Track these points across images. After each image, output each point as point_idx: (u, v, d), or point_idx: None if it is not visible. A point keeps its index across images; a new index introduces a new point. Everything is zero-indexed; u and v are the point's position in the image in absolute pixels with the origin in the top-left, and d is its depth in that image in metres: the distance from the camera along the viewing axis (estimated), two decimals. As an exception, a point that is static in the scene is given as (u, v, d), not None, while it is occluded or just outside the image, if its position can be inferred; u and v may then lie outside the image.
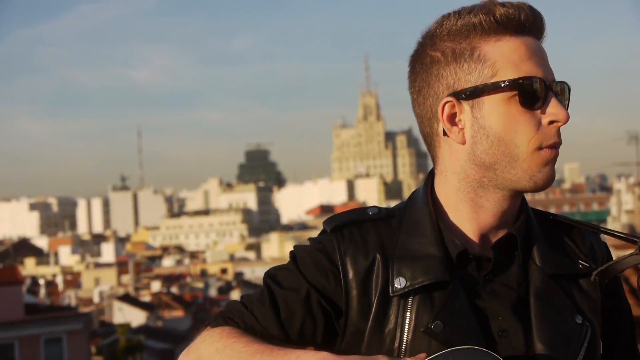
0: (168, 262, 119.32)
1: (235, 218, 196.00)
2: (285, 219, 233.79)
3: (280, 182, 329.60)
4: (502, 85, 1.84)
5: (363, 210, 2.00)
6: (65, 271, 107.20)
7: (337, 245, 1.93)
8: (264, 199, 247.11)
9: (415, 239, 1.93)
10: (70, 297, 75.20)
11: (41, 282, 77.76)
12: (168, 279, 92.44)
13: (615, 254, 2.02)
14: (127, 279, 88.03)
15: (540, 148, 1.85)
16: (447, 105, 1.88)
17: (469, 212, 1.93)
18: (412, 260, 1.89)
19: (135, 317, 63.94)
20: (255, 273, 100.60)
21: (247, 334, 1.86)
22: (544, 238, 1.98)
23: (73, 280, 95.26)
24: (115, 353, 50.83)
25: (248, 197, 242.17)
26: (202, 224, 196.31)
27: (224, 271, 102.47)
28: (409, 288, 1.86)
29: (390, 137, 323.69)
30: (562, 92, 1.90)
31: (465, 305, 1.86)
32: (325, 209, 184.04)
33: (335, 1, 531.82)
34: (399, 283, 1.87)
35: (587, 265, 1.97)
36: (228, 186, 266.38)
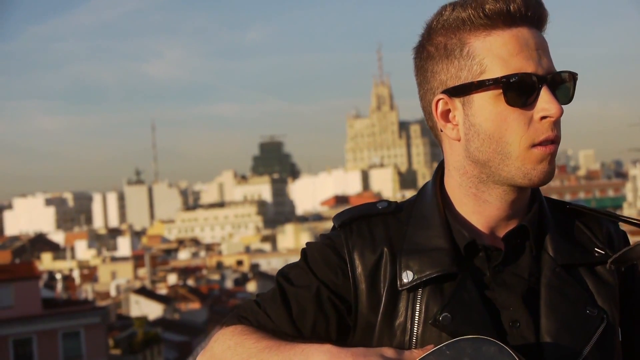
0: (184, 255, 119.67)
1: (250, 210, 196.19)
2: (300, 210, 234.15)
3: (295, 173, 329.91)
4: (487, 83, 1.81)
5: (372, 204, 2.00)
6: (82, 265, 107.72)
7: (345, 240, 1.93)
8: (279, 190, 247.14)
9: (423, 231, 1.92)
10: (87, 291, 75.43)
11: (58, 276, 77.97)
12: (184, 272, 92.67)
13: (633, 241, 2.00)
14: (143, 272, 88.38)
15: (533, 145, 1.81)
16: (440, 102, 1.87)
17: (474, 206, 1.92)
18: (420, 253, 1.89)
19: (152, 310, 64.20)
20: (271, 264, 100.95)
21: (259, 331, 1.87)
22: (558, 228, 1.96)
23: (90, 274, 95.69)
24: (133, 346, 51.04)
25: (263, 189, 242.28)
26: (217, 216, 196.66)
27: (239, 263, 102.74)
28: (416, 281, 1.86)
29: (404, 126, 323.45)
30: (562, 82, 1.85)
31: (475, 296, 1.85)
32: (339, 199, 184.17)
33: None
34: (407, 277, 1.87)
35: (604, 252, 1.95)
36: (243, 178, 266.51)
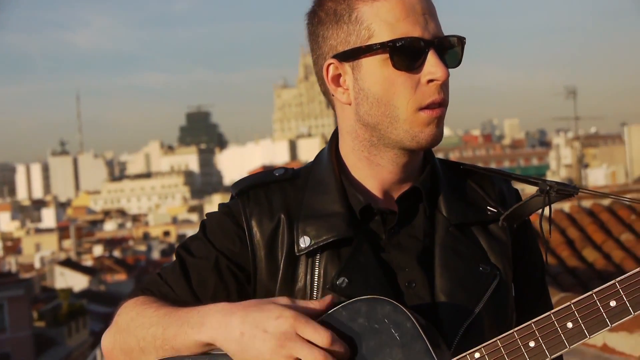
0: (110, 226, 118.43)
1: (177, 180, 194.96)
2: (227, 180, 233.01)
3: (222, 143, 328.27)
4: (375, 48, 1.84)
5: (269, 172, 1.99)
6: (5, 237, 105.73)
7: (242, 208, 1.94)
8: (206, 160, 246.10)
9: (319, 197, 1.93)
10: (10, 264, 74.42)
11: (-20, 249, 76.53)
12: (110, 243, 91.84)
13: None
14: (68, 243, 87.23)
15: (420, 108, 1.84)
16: (330, 67, 1.91)
17: (367, 170, 1.93)
18: (317, 218, 1.90)
19: (78, 282, 63.53)
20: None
21: (160, 300, 1.91)
22: (452, 188, 1.98)
23: (13, 246, 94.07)
24: (58, 318, 50.44)
25: (190, 159, 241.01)
26: (143, 187, 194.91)
27: (166, 234, 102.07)
28: (313, 246, 1.88)
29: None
30: (450, 47, 1.86)
31: (371, 259, 1.88)
32: (267, 169, 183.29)
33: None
34: (304, 242, 1.89)
35: (496, 211, 1.97)
36: (169, 149, 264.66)
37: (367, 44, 1.85)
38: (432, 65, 1.83)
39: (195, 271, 1.94)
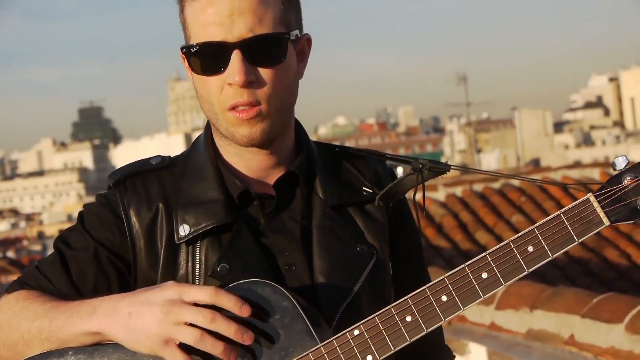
0: (3, 226, 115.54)
1: (72, 177, 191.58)
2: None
3: (117, 138, 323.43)
4: (183, 50, 1.87)
5: (146, 160, 1.99)
6: None
7: (120, 198, 1.94)
8: (100, 156, 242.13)
9: (197, 184, 1.93)
10: None
11: None
12: (4, 243, 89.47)
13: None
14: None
15: (228, 109, 1.85)
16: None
17: (238, 157, 1.94)
18: (195, 205, 1.90)
19: (-29, 284, 61.83)
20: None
21: (44, 294, 1.89)
22: (328, 171, 2.00)
23: None
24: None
25: (83, 155, 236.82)
26: (36, 185, 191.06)
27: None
28: (193, 234, 1.89)
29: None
30: (259, 46, 1.83)
31: (251, 244, 1.89)
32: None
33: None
34: (183, 230, 1.89)
35: (372, 191, 2.00)
36: (62, 145, 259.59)
37: (184, 44, 1.88)
38: (232, 68, 1.82)
39: (74, 263, 1.92)
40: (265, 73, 1.84)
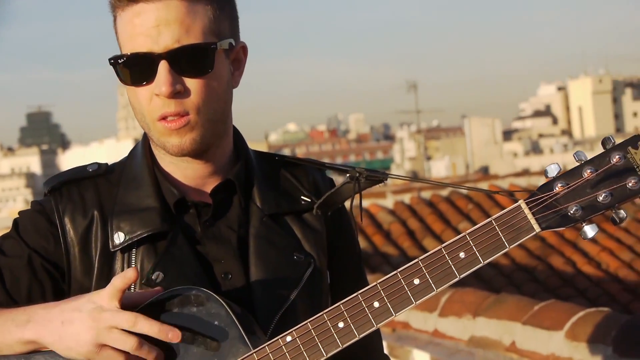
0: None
1: (19, 183, 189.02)
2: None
3: (65, 144, 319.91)
4: (111, 62, 1.86)
5: (82, 167, 1.98)
6: None
7: (55, 205, 1.93)
8: (49, 161, 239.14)
9: (133, 192, 1.92)
10: None
11: None
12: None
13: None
14: None
15: (158, 119, 1.84)
16: None
17: (174, 166, 1.93)
18: (131, 213, 1.90)
19: None
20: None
21: None
22: (266, 179, 2.00)
23: None
24: None
25: (31, 160, 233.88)
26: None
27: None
28: (128, 242, 1.88)
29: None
30: (187, 56, 1.81)
31: (186, 252, 1.89)
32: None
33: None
34: (118, 238, 1.89)
35: (310, 200, 2.02)
36: (9, 150, 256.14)
37: (112, 55, 1.87)
38: (158, 79, 1.82)
39: (8, 270, 1.90)
40: (192, 83, 1.83)
